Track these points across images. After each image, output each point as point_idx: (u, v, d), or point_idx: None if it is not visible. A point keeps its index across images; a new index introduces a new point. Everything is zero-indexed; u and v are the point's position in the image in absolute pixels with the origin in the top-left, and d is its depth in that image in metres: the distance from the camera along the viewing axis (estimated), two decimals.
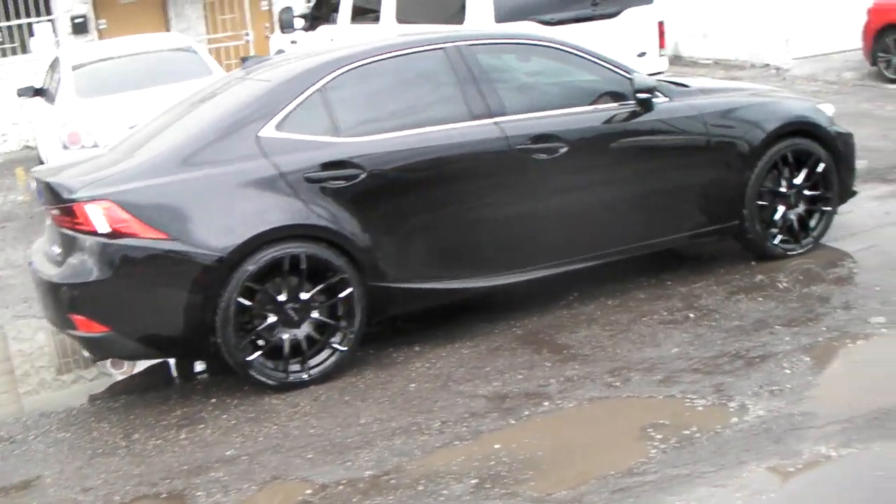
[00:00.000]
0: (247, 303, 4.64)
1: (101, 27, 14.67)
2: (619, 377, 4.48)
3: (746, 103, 5.81)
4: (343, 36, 10.80)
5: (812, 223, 5.94)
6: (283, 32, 11.96)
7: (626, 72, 5.51)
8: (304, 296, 4.74)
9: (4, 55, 14.30)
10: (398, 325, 5.44)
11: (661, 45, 9.47)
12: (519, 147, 5.11)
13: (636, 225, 5.48)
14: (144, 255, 4.54)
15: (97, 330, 4.58)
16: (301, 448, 4.18)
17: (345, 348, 4.84)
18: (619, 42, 9.12)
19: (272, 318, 4.71)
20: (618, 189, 5.40)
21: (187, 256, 4.55)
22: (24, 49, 14.14)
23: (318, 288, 4.75)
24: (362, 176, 4.84)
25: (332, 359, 4.83)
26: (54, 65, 9.97)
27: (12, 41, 14.27)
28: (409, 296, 4.99)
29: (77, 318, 4.60)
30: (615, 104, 5.44)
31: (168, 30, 15.29)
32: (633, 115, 5.43)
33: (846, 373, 4.36)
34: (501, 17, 8.70)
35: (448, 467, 3.85)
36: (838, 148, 5.95)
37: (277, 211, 4.68)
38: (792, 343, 4.64)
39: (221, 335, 4.63)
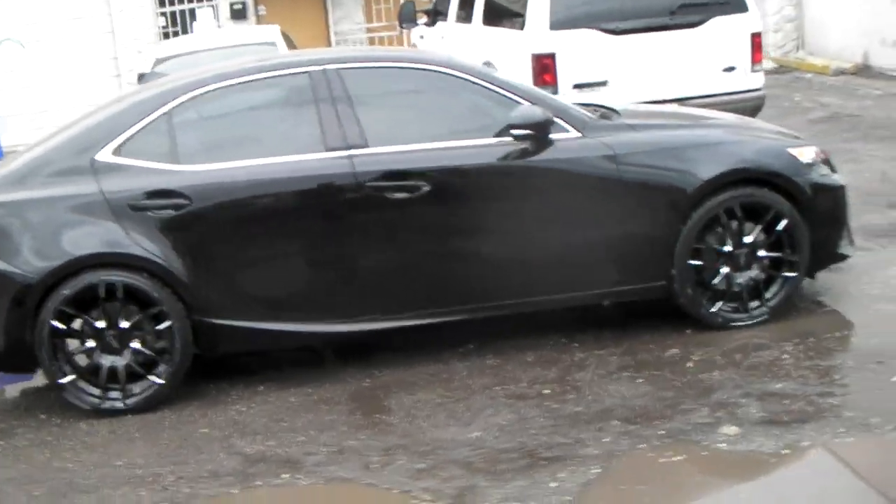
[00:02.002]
0: (60, 326, 4.59)
1: (260, 13, 15.25)
2: (386, 458, 3.96)
3: (681, 143, 4.89)
4: (449, 34, 10.53)
5: (770, 291, 4.95)
6: (401, 27, 11.83)
7: (532, 102, 4.82)
8: (123, 324, 4.63)
9: (168, 38, 15.24)
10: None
11: (756, 60, 8.26)
12: (369, 184, 4.65)
13: (522, 279, 4.81)
14: None
15: None
16: (39, 483, 4.08)
17: (163, 381, 4.66)
18: (701, 55, 8.11)
19: (90, 343, 4.64)
20: (498, 237, 4.77)
21: (5, 276, 4.57)
22: (187, 33, 14.96)
23: (136, 318, 4.62)
24: (189, 207, 4.61)
25: (150, 391, 4.68)
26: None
27: (174, 25, 15.19)
28: (239, 334, 4.71)
29: None
30: (510, 139, 4.79)
31: (326, 18, 15.60)
32: (525, 153, 4.76)
33: (612, 498, 3.55)
34: (557, 24, 7.99)
35: None
36: (813, 202, 4.89)
37: (96, 237, 4.60)
38: (605, 447, 3.87)
39: (38, 355, 4.63)
